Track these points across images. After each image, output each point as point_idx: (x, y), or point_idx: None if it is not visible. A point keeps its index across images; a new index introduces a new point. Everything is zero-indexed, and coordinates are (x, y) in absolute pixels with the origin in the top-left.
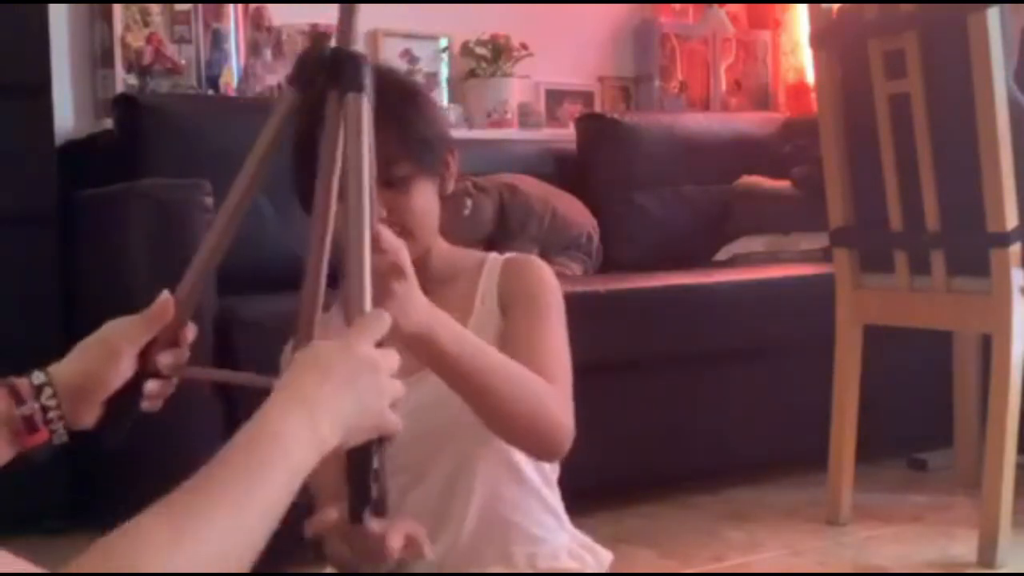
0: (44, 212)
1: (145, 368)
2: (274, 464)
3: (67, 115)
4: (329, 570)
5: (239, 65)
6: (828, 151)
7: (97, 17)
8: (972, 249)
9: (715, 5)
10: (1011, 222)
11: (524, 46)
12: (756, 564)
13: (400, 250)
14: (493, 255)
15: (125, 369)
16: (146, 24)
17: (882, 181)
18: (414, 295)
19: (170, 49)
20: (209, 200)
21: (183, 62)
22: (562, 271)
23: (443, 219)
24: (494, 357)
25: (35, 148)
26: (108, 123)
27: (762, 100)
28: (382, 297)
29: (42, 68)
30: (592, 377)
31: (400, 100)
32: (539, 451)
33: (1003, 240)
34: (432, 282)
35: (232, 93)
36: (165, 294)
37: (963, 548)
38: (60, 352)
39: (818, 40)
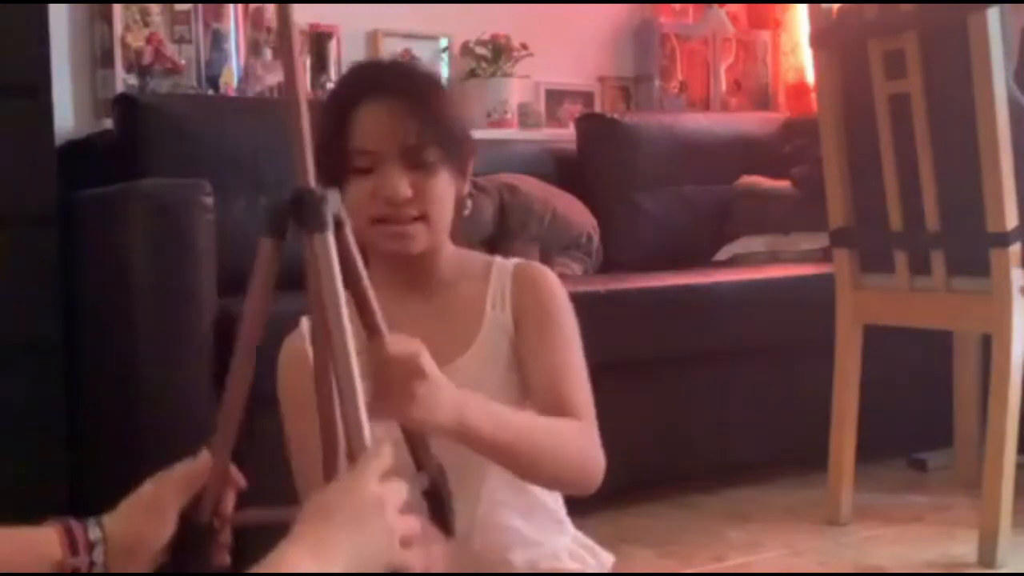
0: (44, 212)
1: (194, 521)
2: None
3: (67, 115)
4: None
5: (239, 65)
6: (828, 151)
7: (97, 17)
8: (972, 249)
9: (715, 5)
10: (1011, 222)
11: (524, 46)
12: (756, 564)
13: (415, 353)
14: (499, 259)
15: (172, 526)
16: (146, 24)
17: (882, 181)
18: (439, 391)
19: (170, 49)
20: (209, 200)
21: (183, 62)
22: (562, 271)
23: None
24: (525, 421)
25: (35, 148)
26: (108, 123)
27: (762, 100)
28: (407, 401)
29: (42, 68)
30: (592, 377)
31: (428, 90)
32: (574, 491)
33: (1003, 240)
34: (440, 284)
35: (232, 93)
36: (204, 453)
37: (963, 548)
38: (59, 353)
39: (818, 40)
